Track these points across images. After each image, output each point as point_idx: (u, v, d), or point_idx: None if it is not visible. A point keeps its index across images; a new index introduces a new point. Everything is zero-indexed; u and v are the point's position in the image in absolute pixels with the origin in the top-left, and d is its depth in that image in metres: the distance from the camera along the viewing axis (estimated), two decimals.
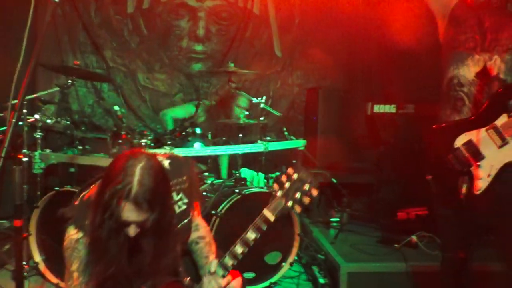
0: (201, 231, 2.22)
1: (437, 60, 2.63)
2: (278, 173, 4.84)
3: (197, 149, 3.93)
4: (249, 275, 3.55)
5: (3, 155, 1.47)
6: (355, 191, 4.87)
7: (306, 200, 1.83)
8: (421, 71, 4.80)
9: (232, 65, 4.40)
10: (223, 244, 3.43)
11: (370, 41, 5.75)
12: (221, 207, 3.49)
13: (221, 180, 4.18)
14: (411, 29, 4.85)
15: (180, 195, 2.03)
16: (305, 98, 5.87)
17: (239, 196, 3.53)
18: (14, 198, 1.80)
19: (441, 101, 2.52)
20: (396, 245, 3.85)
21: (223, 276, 1.89)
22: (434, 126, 2.54)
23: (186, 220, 2.01)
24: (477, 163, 2.32)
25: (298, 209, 1.84)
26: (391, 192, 4.76)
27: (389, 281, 3.48)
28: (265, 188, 3.80)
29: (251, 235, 1.87)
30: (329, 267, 3.73)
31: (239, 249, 1.88)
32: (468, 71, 2.36)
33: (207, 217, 3.52)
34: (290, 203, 1.83)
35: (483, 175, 2.30)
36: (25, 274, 3.27)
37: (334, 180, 4.56)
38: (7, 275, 3.53)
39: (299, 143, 4.38)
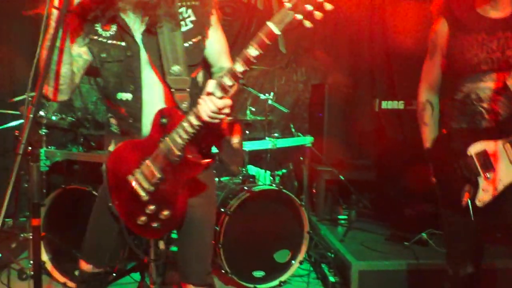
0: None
1: None
2: (284, 171, 4.80)
3: None
4: (259, 273, 3.51)
5: (21, 151, 1.40)
6: (360, 188, 4.84)
7: (318, 14, 1.50)
8: None
9: None
10: (234, 242, 3.42)
11: (375, 37, 5.71)
12: (230, 204, 3.44)
13: (228, 177, 4.13)
14: (417, 27, 4.80)
15: (188, 12, 1.93)
16: (310, 94, 5.81)
17: (248, 194, 3.48)
18: (31, 196, 1.74)
19: (453, 114, 2.39)
20: (406, 243, 3.82)
21: (221, 98, 1.67)
22: (444, 130, 2.46)
23: (193, 40, 1.84)
24: (486, 175, 2.24)
25: (308, 23, 1.51)
26: (396, 189, 4.73)
27: (400, 279, 3.45)
28: (274, 185, 3.74)
29: (252, 51, 1.58)
30: (339, 265, 3.69)
31: (239, 67, 1.61)
32: (487, 87, 2.26)
33: (216, 215, 3.46)
34: (299, 16, 1.51)
35: (489, 188, 2.22)
36: (31, 273, 3.21)
37: (342, 177, 4.51)
38: (13, 274, 3.46)
39: (307, 140, 4.32)
